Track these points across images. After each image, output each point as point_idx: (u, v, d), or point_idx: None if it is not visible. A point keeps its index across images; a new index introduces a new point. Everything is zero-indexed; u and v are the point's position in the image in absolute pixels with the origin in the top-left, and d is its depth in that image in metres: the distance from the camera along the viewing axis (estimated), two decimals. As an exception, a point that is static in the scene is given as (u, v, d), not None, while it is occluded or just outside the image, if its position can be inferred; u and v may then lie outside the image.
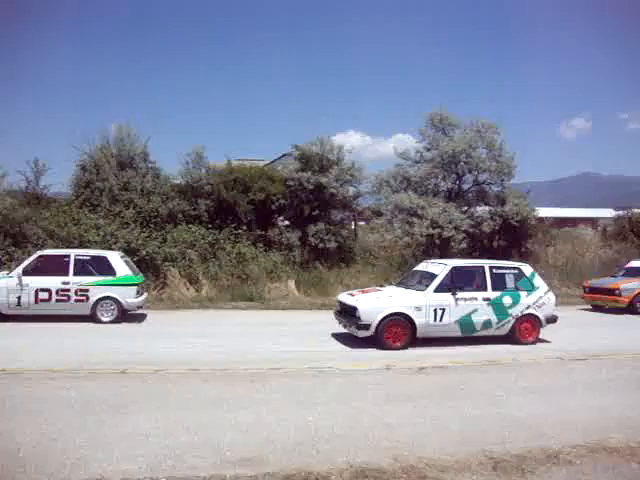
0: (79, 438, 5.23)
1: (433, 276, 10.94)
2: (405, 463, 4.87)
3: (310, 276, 18.69)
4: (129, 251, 16.50)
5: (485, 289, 10.88)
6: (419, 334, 10.40)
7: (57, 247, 16.99)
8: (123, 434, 5.38)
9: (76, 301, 12.43)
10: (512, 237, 21.72)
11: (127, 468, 4.56)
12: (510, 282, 11.11)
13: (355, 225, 23.65)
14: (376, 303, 10.42)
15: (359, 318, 10.19)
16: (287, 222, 20.89)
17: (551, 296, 11.37)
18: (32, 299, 12.30)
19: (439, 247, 20.14)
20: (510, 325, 10.96)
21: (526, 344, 10.88)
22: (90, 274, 12.61)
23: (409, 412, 6.40)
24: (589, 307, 17.54)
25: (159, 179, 19.70)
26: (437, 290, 10.57)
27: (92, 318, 12.45)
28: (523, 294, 11.05)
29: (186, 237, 18.18)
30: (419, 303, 10.40)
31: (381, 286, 12.68)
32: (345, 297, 11.25)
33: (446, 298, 10.54)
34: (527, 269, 11.51)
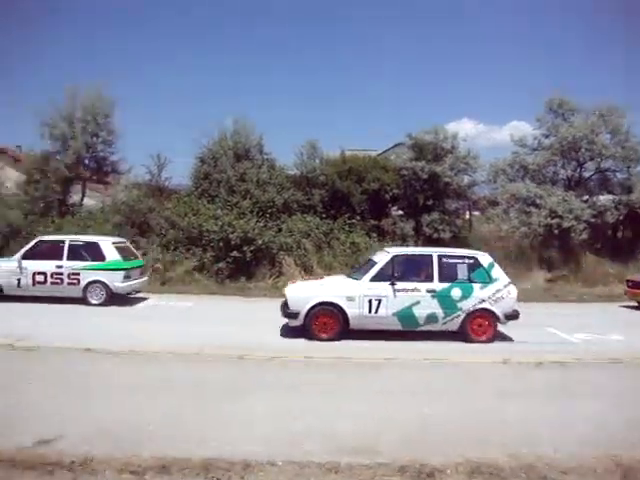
0: (199, 417, 5.48)
1: (374, 264, 10.16)
2: (523, 461, 4.62)
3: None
4: (246, 240, 17.00)
5: (431, 280, 9.79)
6: (352, 325, 9.72)
7: (177, 236, 17.84)
8: (239, 416, 5.54)
9: (69, 284, 13.03)
10: (639, 228, 20.42)
11: (246, 449, 4.67)
12: (462, 273, 9.92)
13: (470, 215, 23.09)
14: (305, 292, 9.84)
15: (287, 306, 9.83)
16: (401, 212, 20.73)
17: (512, 290, 10.03)
18: (30, 281, 13.03)
19: (558, 238, 19.27)
20: (460, 320, 9.80)
21: (479, 342, 9.73)
22: (82, 259, 13.15)
23: (524, 408, 6.09)
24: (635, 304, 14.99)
25: (274, 170, 20.08)
26: (374, 279, 9.75)
27: (84, 300, 12.96)
28: (477, 287, 9.85)
29: (301, 227, 18.47)
30: (352, 293, 9.67)
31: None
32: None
33: (384, 288, 9.66)
34: (485, 259, 10.19)
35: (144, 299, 14.16)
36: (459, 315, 9.82)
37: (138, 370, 7.41)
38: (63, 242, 13.42)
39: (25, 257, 13.23)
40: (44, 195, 19.67)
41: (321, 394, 6.42)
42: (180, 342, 8.94)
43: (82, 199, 21.06)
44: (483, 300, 9.83)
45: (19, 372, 6.96)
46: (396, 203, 20.61)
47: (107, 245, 13.41)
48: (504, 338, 10.19)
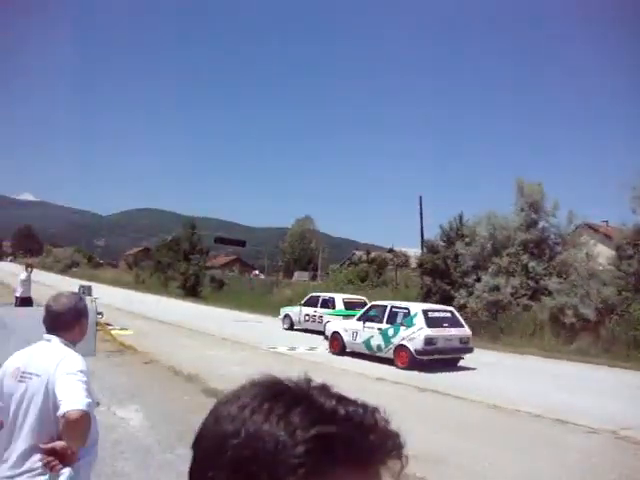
0: None
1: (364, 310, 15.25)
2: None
3: None
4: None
5: (382, 322, 13.82)
6: (347, 347, 14.71)
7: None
8: None
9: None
10: None
11: None
12: (400, 318, 13.54)
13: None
14: (334, 324, 15.87)
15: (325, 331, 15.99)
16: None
17: (422, 333, 12.79)
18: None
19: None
20: (392, 351, 13.38)
21: (399, 368, 12.82)
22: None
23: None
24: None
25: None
26: (358, 319, 14.67)
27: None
28: (402, 328, 13.23)
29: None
30: (347, 326, 14.94)
31: None
32: None
33: (359, 325, 14.37)
34: (414, 308, 13.68)
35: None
36: (390, 347, 13.47)
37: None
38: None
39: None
40: (638, 270, 18.49)
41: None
42: None
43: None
44: (404, 338, 13.14)
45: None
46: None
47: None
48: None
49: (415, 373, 12.31)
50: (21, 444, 2.39)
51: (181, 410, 7.46)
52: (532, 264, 21.05)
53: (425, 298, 22.26)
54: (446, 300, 20.79)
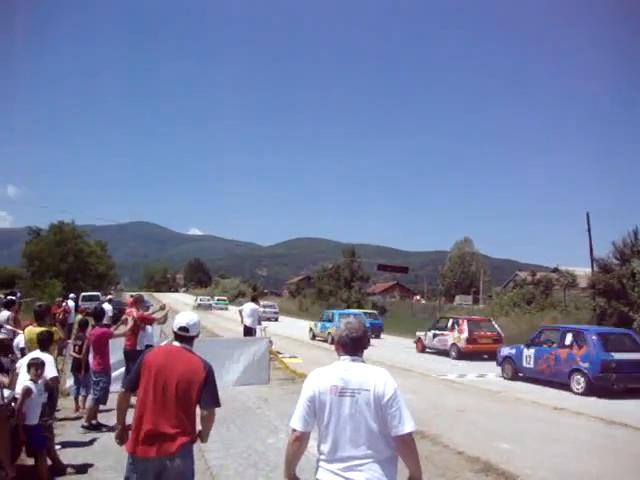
0: None
1: None
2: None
3: None
4: None
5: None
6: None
7: None
8: None
9: None
10: None
11: None
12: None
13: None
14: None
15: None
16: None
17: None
18: None
19: None
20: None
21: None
22: None
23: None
24: None
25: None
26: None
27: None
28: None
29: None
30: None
31: None
32: None
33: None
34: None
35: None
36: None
37: None
38: None
39: None
40: None
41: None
42: None
43: None
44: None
45: None
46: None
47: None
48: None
49: (595, 400, 11.70)
50: (347, 447, 2.90)
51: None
52: None
53: (600, 320, 21.07)
54: (624, 323, 19.52)
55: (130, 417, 3.73)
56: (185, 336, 3.83)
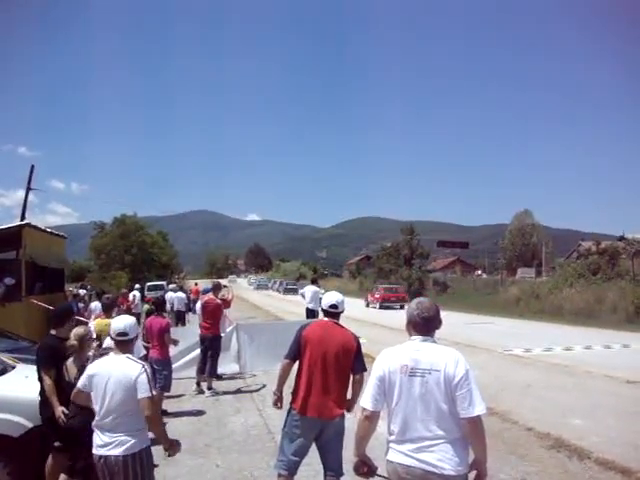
0: None
1: None
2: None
3: None
4: None
5: None
6: None
7: None
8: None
9: None
10: None
11: None
12: None
13: None
14: None
15: None
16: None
17: None
18: None
19: None
20: None
21: None
22: None
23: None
24: None
25: None
26: None
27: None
28: None
29: None
30: None
31: None
32: None
33: None
34: None
35: None
36: None
37: None
38: None
39: None
40: None
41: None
42: None
43: None
44: None
45: None
46: None
47: None
48: None
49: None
50: (418, 427, 2.93)
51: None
52: None
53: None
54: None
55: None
56: (335, 312, 4.49)
